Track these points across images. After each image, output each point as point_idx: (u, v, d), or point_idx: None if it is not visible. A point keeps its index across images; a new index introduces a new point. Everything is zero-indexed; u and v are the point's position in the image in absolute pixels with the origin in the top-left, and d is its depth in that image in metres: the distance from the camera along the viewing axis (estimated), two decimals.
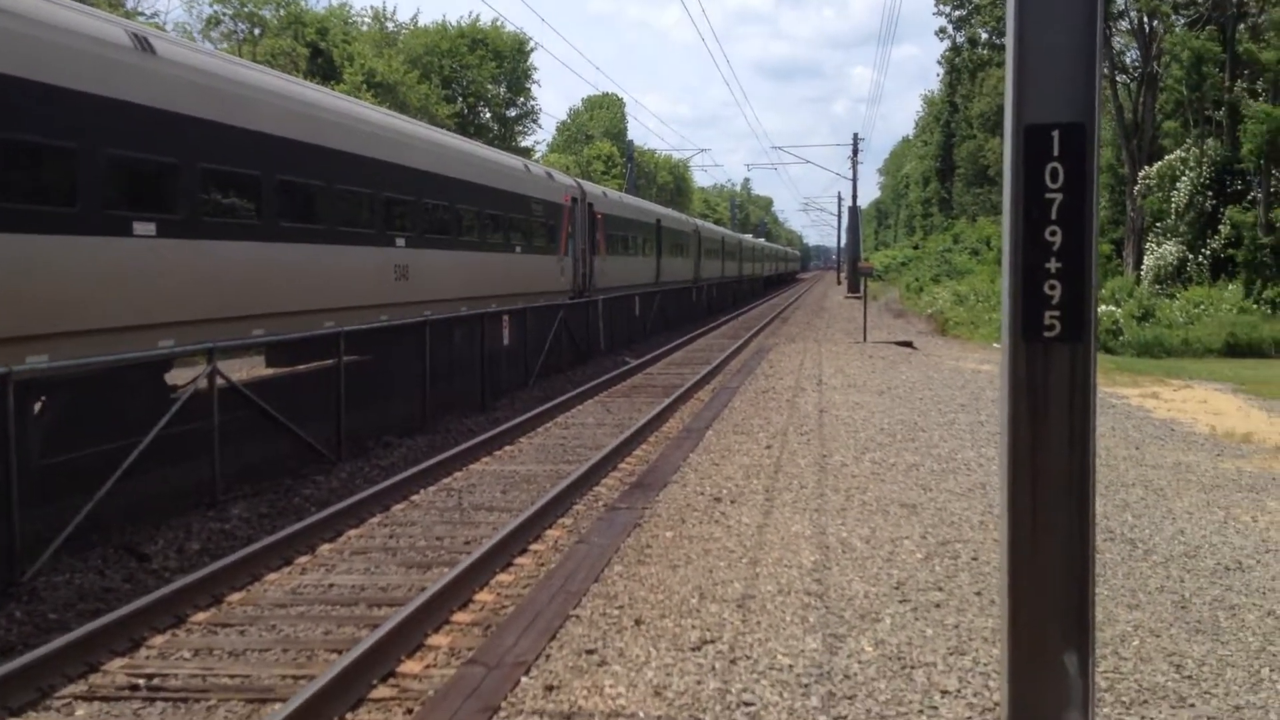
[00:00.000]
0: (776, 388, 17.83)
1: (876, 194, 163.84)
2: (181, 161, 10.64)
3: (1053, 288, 3.95)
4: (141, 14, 35.70)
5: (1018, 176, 4.00)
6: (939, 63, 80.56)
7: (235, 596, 7.98)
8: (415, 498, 11.27)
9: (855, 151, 73.52)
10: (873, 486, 10.08)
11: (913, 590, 6.90)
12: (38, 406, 9.42)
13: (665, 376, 22.47)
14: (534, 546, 9.35)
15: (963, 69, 75.06)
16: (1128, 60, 39.40)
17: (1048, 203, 3.97)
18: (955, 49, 79.14)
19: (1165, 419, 15.01)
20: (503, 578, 8.44)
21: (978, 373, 20.98)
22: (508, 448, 14.16)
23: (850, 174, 74.60)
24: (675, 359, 26.74)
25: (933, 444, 12.61)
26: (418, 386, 15.59)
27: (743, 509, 9.12)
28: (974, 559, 7.60)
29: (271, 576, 8.50)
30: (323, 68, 40.48)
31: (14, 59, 8.48)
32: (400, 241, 15.84)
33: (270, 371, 17.20)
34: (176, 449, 10.76)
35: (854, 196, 73.21)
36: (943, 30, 79.37)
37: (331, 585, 8.26)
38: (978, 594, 6.86)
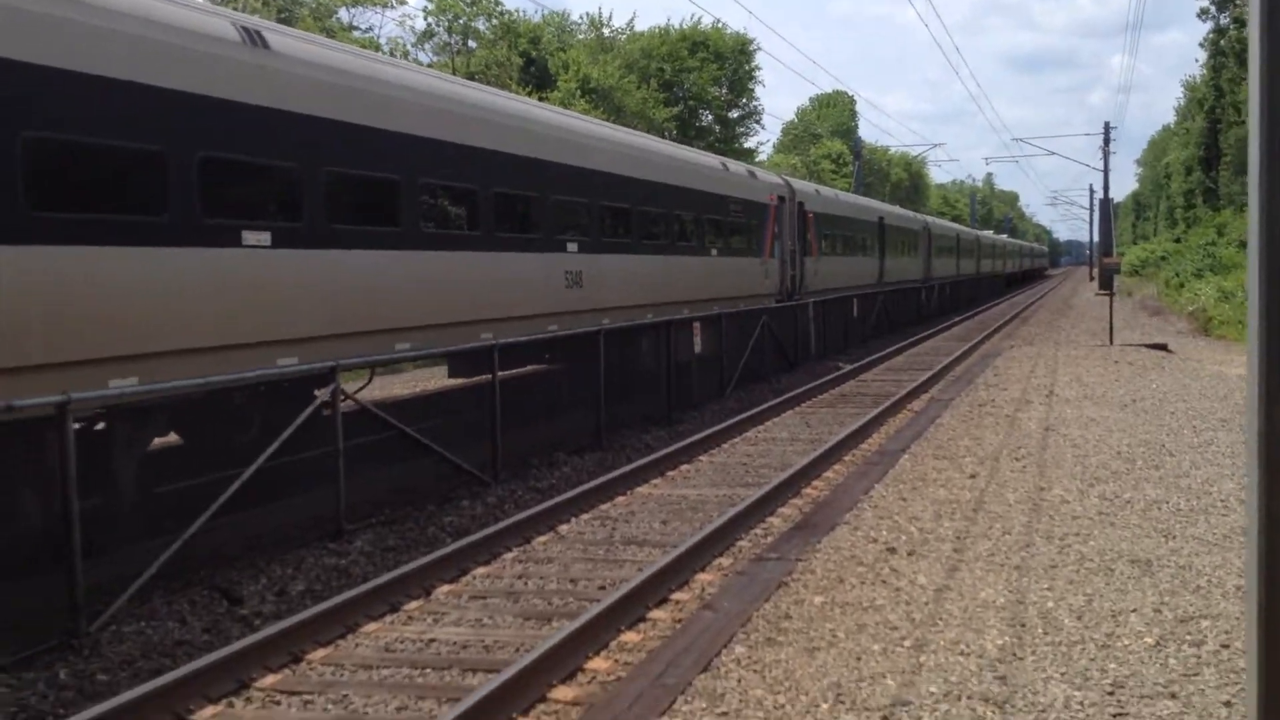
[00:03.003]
0: (997, 400, 15.77)
1: (1134, 186, 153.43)
2: (300, 165, 9.82)
3: None
4: (356, 28, 36.43)
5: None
6: (1201, 46, 74.36)
7: (318, 654, 6.95)
8: (563, 528, 10.10)
9: (1106, 141, 68.63)
10: (1097, 532, 8.17)
11: (1133, 698, 5.10)
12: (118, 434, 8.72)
13: (879, 384, 20.68)
14: (677, 595, 7.98)
15: (1229, 52, 68.73)
16: None
17: None
18: (1220, 30, 72.63)
19: None
20: (629, 637, 7.11)
21: (1243, 379, 18.17)
22: (684, 467, 12.85)
23: (1103, 166, 69.74)
24: (894, 364, 24.83)
25: (1182, 472, 10.47)
26: (593, 400, 14.49)
27: (921, 564, 7.41)
28: (1224, 646, 5.70)
29: (370, 627, 7.46)
30: (535, 76, 40.30)
31: (93, 56, 7.78)
32: (572, 246, 14.78)
33: (449, 383, 16.52)
34: (310, 474, 10.01)
35: (1105, 188, 68.38)
36: (1205, 11, 73.11)
37: (432, 640, 7.14)
38: (1227, 704, 5.02)
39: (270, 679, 6.54)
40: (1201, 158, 76.04)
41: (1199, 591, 6.68)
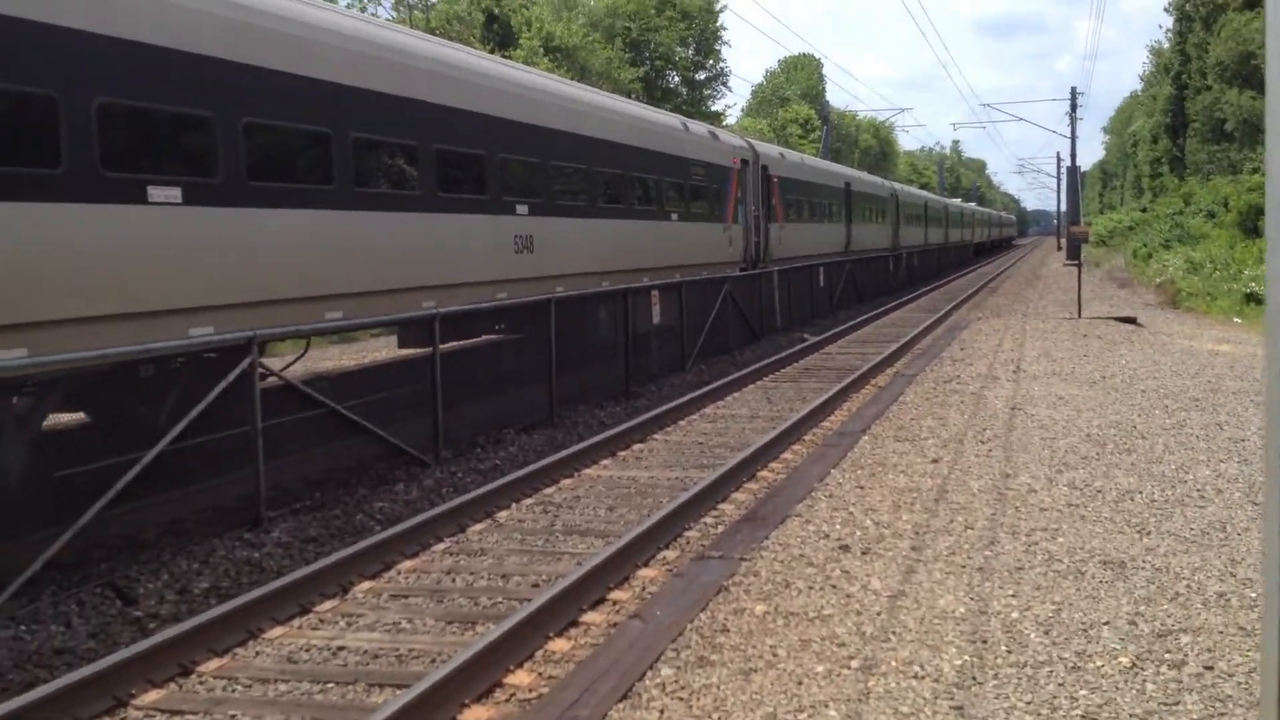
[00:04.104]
0: (963, 375, 15.17)
1: (1101, 155, 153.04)
2: (216, 114, 9.01)
3: None
4: None
5: None
6: (1166, 11, 73.65)
7: (211, 665, 6.24)
8: (502, 515, 9.42)
9: (1074, 107, 68.16)
10: (1066, 527, 7.56)
11: None
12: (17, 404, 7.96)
13: (845, 357, 20.07)
14: (616, 594, 7.32)
15: (1194, 16, 68.08)
16: None
17: None
18: None
19: None
20: (557, 645, 6.45)
21: (1215, 355, 17.69)
22: (637, 446, 12.18)
23: (1069, 133, 69.27)
24: (860, 335, 24.25)
25: (1155, 457, 9.91)
26: (544, 373, 13.77)
27: (875, 564, 6.76)
28: (1207, 668, 5.09)
29: (275, 632, 6.76)
30: (498, 34, 39.18)
31: None
32: (522, 209, 14.00)
33: (401, 354, 15.73)
34: (231, 455, 9.24)
35: (1072, 155, 68.00)
36: None
37: (341, 649, 6.45)
38: None
39: (152, 695, 5.84)
40: (1168, 125, 75.61)
41: (1177, 599, 6.08)
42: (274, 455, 9.23)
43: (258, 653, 6.45)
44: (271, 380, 9.58)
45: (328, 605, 7.22)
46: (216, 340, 8.69)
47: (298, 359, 11.89)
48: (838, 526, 7.67)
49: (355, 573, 7.70)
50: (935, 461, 9.70)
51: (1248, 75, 51.54)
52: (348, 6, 30.91)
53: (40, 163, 7.56)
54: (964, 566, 6.71)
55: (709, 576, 6.69)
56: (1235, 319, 26.01)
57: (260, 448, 8.75)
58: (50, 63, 7.55)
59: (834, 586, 6.37)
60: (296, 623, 6.93)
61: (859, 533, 7.49)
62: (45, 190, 7.53)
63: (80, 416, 10.03)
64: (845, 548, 7.12)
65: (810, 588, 6.36)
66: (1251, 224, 37.01)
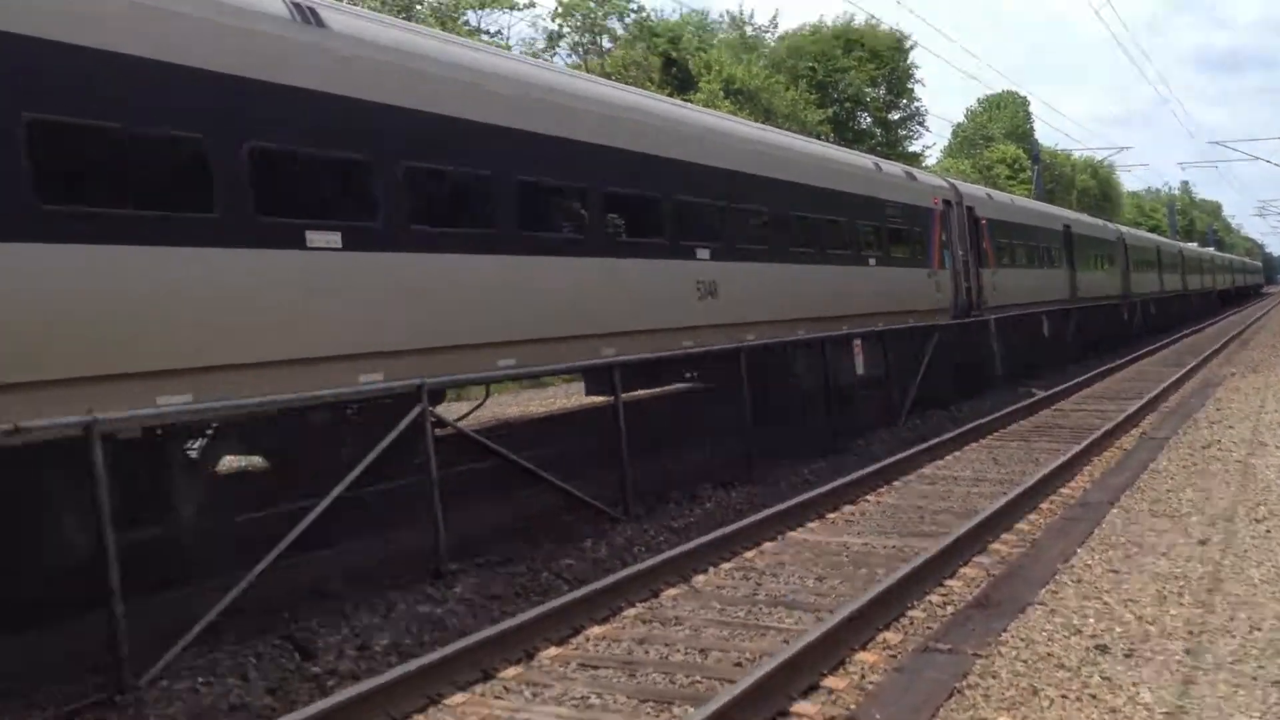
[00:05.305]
0: (1224, 440, 13.84)
1: None
2: (374, 158, 9.00)
3: None
4: (485, 32, 36.18)
5: None
6: None
7: None
8: (699, 579, 8.90)
9: None
10: None
11: None
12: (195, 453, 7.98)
13: (1079, 414, 18.79)
14: (830, 681, 6.64)
15: None
16: None
17: None
18: None
19: None
20: None
21: None
22: (847, 508, 11.49)
23: None
24: (1096, 390, 22.82)
25: None
26: (739, 425, 13.30)
27: (1143, 671, 5.83)
28: None
29: (455, 699, 6.41)
30: (677, 78, 39.40)
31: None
32: (703, 254, 13.74)
33: (588, 402, 15.50)
34: (416, 505, 9.10)
35: None
36: None
37: None
38: None
39: None
40: None
41: None
42: (455, 505, 9.07)
43: None
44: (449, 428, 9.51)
45: (511, 671, 6.85)
46: (382, 389, 8.61)
47: (478, 406, 11.89)
48: (1090, 620, 6.78)
49: (541, 636, 7.33)
50: (1203, 543, 8.67)
51: None
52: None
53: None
54: (1255, 679, 5.76)
55: (937, 674, 5.97)
56: None
57: (436, 498, 8.55)
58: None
59: (1094, 697, 5.52)
60: (479, 689, 6.57)
61: (1118, 629, 6.60)
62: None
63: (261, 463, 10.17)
64: (1103, 648, 6.24)
65: (1064, 697, 5.52)
66: None
